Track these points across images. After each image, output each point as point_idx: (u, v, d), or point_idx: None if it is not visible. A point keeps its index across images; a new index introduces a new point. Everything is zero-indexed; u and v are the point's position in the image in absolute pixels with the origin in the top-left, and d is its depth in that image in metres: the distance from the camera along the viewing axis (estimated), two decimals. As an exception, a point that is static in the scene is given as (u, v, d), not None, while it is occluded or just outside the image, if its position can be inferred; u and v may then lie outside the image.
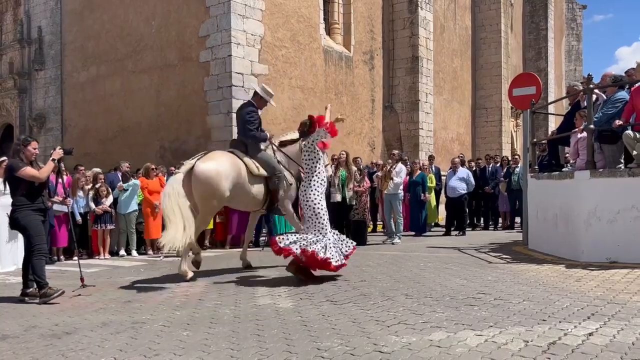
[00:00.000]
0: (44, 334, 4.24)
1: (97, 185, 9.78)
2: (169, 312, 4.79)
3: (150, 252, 10.04)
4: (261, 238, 10.88)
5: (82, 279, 6.15)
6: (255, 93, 7.39)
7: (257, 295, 5.45)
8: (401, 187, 10.94)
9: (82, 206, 9.55)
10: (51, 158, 5.82)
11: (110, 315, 4.77)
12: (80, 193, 9.52)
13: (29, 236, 5.58)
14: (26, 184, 5.53)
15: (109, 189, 9.87)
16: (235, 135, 8.51)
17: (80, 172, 9.86)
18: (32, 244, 5.57)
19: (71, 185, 9.45)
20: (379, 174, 11.63)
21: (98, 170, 10.53)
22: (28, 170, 5.51)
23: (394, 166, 10.82)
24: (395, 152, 12.25)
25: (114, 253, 9.92)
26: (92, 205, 9.51)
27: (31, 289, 5.70)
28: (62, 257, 9.41)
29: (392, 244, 10.37)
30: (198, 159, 6.60)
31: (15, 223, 5.63)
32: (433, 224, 13.70)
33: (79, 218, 9.26)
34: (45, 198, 5.83)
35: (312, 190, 6.22)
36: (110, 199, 9.76)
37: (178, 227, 6.12)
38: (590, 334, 3.61)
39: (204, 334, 4.01)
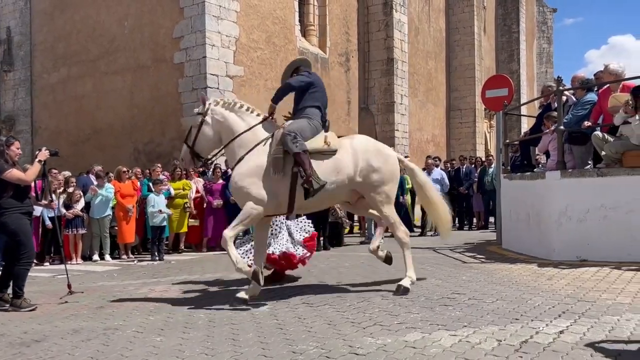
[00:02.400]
0: (12, 342, 4.13)
1: (69, 190, 9.59)
2: (142, 318, 4.72)
3: (124, 256, 9.89)
4: (237, 241, 10.78)
5: (69, 285, 5.99)
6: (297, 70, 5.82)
7: (232, 299, 5.40)
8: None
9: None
10: (37, 159, 5.61)
11: (81, 322, 4.67)
12: (53, 196, 9.31)
13: (19, 242, 5.34)
14: (12, 185, 5.31)
15: (81, 193, 9.68)
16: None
17: (52, 175, 9.64)
18: (20, 251, 5.34)
19: (42, 189, 9.23)
20: None
21: (68, 173, 10.33)
22: (15, 173, 5.31)
23: None
24: None
25: (86, 257, 9.74)
26: (63, 210, 9.31)
27: (4, 294, 5.50)
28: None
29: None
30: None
31: (3, 227, 5.33)
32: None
33: (48, 223, 9.05)
34: (31, 200, 5.66)
35: None
36: (81, 203, 9.57)
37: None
38: (561, 332, 3.67)
39: (178, 339, 3.95)
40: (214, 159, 6.00)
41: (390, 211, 5.52)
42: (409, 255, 5.55)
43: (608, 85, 7.26)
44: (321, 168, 5.10)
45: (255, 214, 5.08)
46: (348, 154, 5.32)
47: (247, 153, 5.21)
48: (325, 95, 5.67)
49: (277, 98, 5.54)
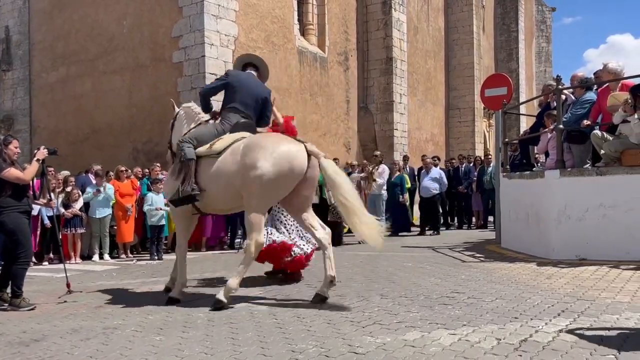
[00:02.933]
0: (11, 341, 4.12)
1: (67, 189, 9.58)
2: (141, 317, 4.71)
3: (123, 255, 9.88)
4: (236, 240, 10.80)
5: (68, 285, 5.99)
6: (250, 66, 5.83)
7: (232, 299, 5.40)
8: (384, 187, 11.06)
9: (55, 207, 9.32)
10: (35, 158, 5.61)
11: (80, 321, 4.67)
12: (52, 195, 9.29)
13: (17, 241, 5.33)
14: (11, 184, 5.31)
15: (80, 193, 9.67)
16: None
17: (50, 173, 9.62)
18: (18, 250, 5.33)
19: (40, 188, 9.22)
20: (362, 174, 11.75)
21: (67, 173, 10.32)
22: (13, 172, 5.31)
23: (376, 167, 10.94)
24: (377, 153, 12.34)
25: (85, 257, 9.73)
26: (62, 209, 9.30)
27: (4, 294, 5.49)
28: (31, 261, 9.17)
29: None
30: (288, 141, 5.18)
31: (1, 226, 5.32)
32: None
33: (47, 222, 9.04)
34: (30, 199, 5.65)
35: None
36: (80, 203, 9.57)
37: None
38: (561, 331, 3.67)
39: (177, 338, 3.95)
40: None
41: (253, 214, 4.94)
42: (244, 267, 5.01)
43: (607, 84, 7.26)
44: (206, 172, 5.17)
45: (180, 215, 5.52)
46: (232, 154, 5.07)
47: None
48: (249, 92, 5.53)
49: (202, 108, 5.76)
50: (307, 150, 5.01)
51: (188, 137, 5.34)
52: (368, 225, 4.93)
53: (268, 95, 5.73)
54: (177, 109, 6.06)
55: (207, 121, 5.66)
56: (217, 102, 5.89)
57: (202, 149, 5.24)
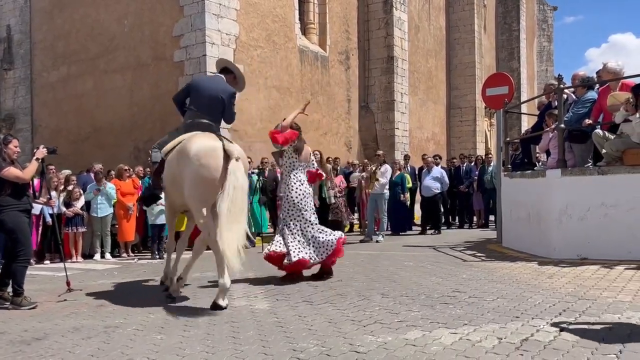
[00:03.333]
0: (12, 340, 4.13)
1: (69, 188, 9.59)
2: (142, 316, 4.71)
3: (124, 254, 9.89)
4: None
5: (68, 283, 6.00)
6: (227, 71, 5.99)
7: (232, 297, 5.40)
8: (387, 187, 11.07)
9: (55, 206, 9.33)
10: (35, 157, 5.60)
11: (82, 320, 4.67)
12: (54, 194, 9.31)
13: (16, 240, 5.33)
14: (10, 183, 5.31)
15: (81, 191, 9.68)
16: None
17: (51, 172, 9.65)
18: (17, 249, 5.34)
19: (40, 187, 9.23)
20: (364, 174, 11.77)
21: (68, 172, 10.34)
22: (12, 171, 5.31)
23: (379, 166, 10.94)
24: (380, 152, 12.33)
25: (87, 256, 9.74)
26: (63, 208, 9.32)
27: (4, 293, 5.50)
28: (32, 260, 9.18)
29: (377, 242, 10.51)
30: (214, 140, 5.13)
31: (0, 225, 5.33)
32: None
33: (49, 219, 9.06)
34: (30, 198, 5.66)
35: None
36: (81, 201, 9.57)
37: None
38: (562, 330, 3.67)
39: (178, 337, 3.95)
40: None
41: (198, 215, 5.02)
42: (192, 262, 5.60)
43: (608, 84, 7.26)
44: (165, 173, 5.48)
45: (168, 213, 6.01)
46: (176, 154, 5.23)
47: None
48: (205, 93, 5.61)
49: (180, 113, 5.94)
50: (224, 149, 4.94)
51: (159, 141, 5.72)
52: (231, 237, 4.68)
53: (228, 94, 5.69)
54: None
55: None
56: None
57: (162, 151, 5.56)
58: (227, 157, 4.88)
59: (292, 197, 6.18)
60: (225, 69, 6.03)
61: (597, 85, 7.84)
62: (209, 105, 5.59)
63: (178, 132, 5.52)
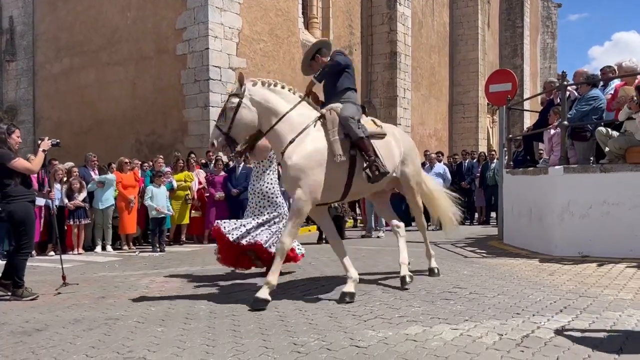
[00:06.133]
0: (13, 331, 4.14)
1: (71, 179, 9.59)
2: (143, 308, 4.72)
3: (125, 247, 9.90)
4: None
5: (63, 277, 5.99)
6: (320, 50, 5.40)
7: (233, 291, 5.41)
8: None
9: (58, 199, 9.34)
10: (41, 149, 5.56)
11: (83, 312, 4.68)
12: (58, 186, 9.31)
13: (22, 232, 5.30)
14: (19, 174, 5.29)
15: (83, 184, 9.68)
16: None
17: (54, 165, 9.65)
18: (22, 241, 5.32)
19: (42, 179, 9.22)
20: None
21: (71, 164, 10.34)
22: (22, 162, 5.31)
23: None
24: None
25: (88, 248, 9.75)
26: (66, 200, 9.32)
27: (8, 281, 5.44)
28: (34, 252, 9.20)
29: (377, 237, 10.51)
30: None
31: (11, 215, 5.25)
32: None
33: (55, 210, 9.04)
34: (33, 189, 5.65)
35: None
36: (83, 194, 9.57)
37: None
38: (563, 327, 3.66)
39: (179, 329, 3.96)
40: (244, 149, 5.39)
41: (420, 200, 5.79)
42: (427, 243, 6.02)
43: (624, 81, 7.24)
44: (379, 152, 5.02)
45: (306, 209, 4.74)
46: (394, 139, 5.39)
47: (297, 135, 4.80)
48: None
49: (322, 76, 5.19)
50: None
51: (351, 115, 4.91)
52: (445, 214, 6.01)
53: None
54: (244, 86, 4.93)
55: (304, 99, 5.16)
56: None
57: (371, 129, 5.12)
58: None
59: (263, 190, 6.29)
60: (320, 50, 5.39)
61: (601, 83, 7.82)
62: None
63: (360, 112, 5.22)
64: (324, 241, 9.67)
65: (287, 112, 4.88)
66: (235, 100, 4.85)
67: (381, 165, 4.89)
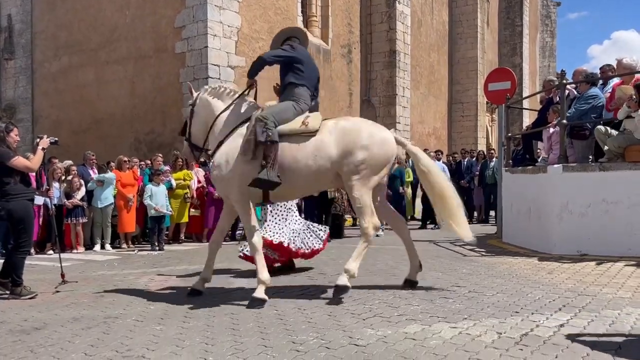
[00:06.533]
0: (12, 329, 4.13)
1: (69, 177, 9.58)
2: (142, 307, 4.72)
3: (124, 245, 9.89)
4: (237, 232, 10.80)
5: (62, 275, 5.99)
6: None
7: (232, 289, 5.41)
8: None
9: (56, 197, 9.33)
10: (40, 147, 5.57)
11: (81, 310, 4.68)
12: (56, 184, 9.30)
13: (21, 230, 5.31)
14: (18, 172, 5.30)
15: (82, 182, 9.68)
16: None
17: (54, 164, 9.64)
18: (21, 239, 5.33)
19: (39, 177, 9.22)
20: None
21: (70, 162, 10.33)
22: (21, 160, 5.33)
23: None
24: None
25: (87, 247, 9.74)
26: (64, 199, 9.31)
27: (6, 282, 5.45)
28: (32, 251, 9.19)
29: (377, 236, 10.49)
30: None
31: (10, 213, 5.25)
32: (409, 217, 13.83)
33: (52, 209, 9.02)
34: (32, 188, 5.65)
35: None
36: (82, 192, 9.56)
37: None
38: (562, 326, 3.67)
39: (178, 328, 3.96)
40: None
41: (361, 194, 4.81)
42: (361, 249, 4.88)
43: (622, 79, 7.24)
44: (299, 151, 4.80)
45: (240, 205, 4.90)
46: (331, 134, 4.84)
47: (226, 137, 4.96)
48: (315, 72, 5.28)
49: (252, 72, 5.18)
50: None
51: (270, 116, 4.78)
52: (456, 219, 4.96)
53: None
54: (196, 93, 5.41)
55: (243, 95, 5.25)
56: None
57: (293, 127, 4.87)
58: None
59: None
60: (290, 37, 5.34)
61: (600, 82, 7.82)
62: (315, 85, 5.25)
63: (297, 111, 4.96)
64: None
65: (220, 113, 5.11)
66: (189, 109, 5.38)
67: (267, 174, 4.60)
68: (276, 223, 6.37)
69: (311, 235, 6.50)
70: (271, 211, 6.48)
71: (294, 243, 6.22)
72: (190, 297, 5.05)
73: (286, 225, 6.38)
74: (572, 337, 3.41)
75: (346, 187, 4.97)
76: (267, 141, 4.63)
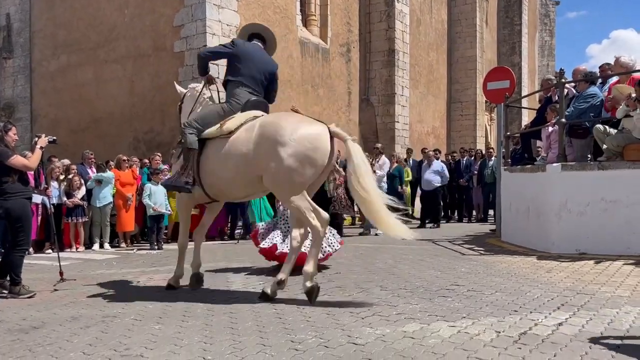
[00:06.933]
0: (10, 328, 4.13)
1: (70, 176, 9.57)
2: (141, 306, 4.71)
3: (123, 244, 9.89)
4: (236, 231, 10.81)
5: (61, 273, 6.00)
6: (257, 38, 5.38)
7: (231, 288, 5.41)
8: (384, 179, 11.05)
9: (55, 196, 9.32)
10: (38, 146, 5.58)
11: (80, 309, 4.67)
12: (55, 184, 9.28)
13: (19, 228, 5.31)
14: (16, 171, 5.30)
15: (82, 181, 9.67)
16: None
17: (53, 162, 9.63)
18: (19, 237, 5.33)
19: (38, 176, 9.20)
20: None
21: (67, 161, 10.31)
22: (19, 159, 5.33)
23: (377, 159, 10.92)
24: (378, 145, 12.30)
25: (86, 246, 9.73)
26: (64, 198, 9.30)
27: (4, 281, 5.44)
28: (31, 249, 9.17)
29: (376, 235, 10.52)
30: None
31: (8, 212, 5.26)
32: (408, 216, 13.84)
33: (50, 207, 9.02)
34: (30, 186, 5.64)
35: None
36: (82, 191, 9.55)
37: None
38: (560, 324, 3.67)
39: (176, 327, 3.95)
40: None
41: (287, 198, 4.57)
42: (316, 250, 4.66)
43: (618, 78, 7.25)
44: (217, 154, 4.78)
45: (181, 205, 5.43)
46: (247, 133, 4.65)
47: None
48: (257, 66, 5.07)
49: (199, 70, 5.33)
50: (330, 132, 4.59)
51: (192, 121, 4.93)
52: (383, 222, 4.52)
53: (276, 69, 5.30)
54: (183, 91, 5.76)
55: (205, 89, 5.43)
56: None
57: (211, 130, 4.85)
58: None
59: None
60: (255, 35, 5.34)
61: (599, 81, 7.82)
62: (262, 82, 5.09)
63: (226, 111, 4.90)
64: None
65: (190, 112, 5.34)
66: (178, 104, 5.76)
67: (182, 178, 4.83)
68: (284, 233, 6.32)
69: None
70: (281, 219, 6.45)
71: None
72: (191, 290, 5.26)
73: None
74: (570, 336, 3.41)
75: (271, 189, 4.78)
76: (186, 147, 4.82)
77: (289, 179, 4.50)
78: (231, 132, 4.74)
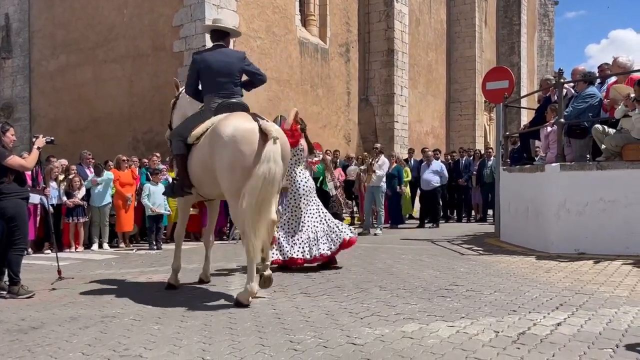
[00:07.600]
0: (9, 329, 4.12)
1: (70, 176, 9.56)
2: (140, 306, 4.71)
3: (122, 245, 9.88)
4: (236, 231, 10.79)
5: (59, 271, 6.00)
6: (219, 34, 5.41)
7: (230, 289, 5.41)
8: (384, 179, 11.07)
9: (54, 197, 9.32)
10: (36, 146, 5.60)
11: (79, 310, 4.67)
12: (54, 184, 9.28)
13: (15, 227, 5.33)
14: (13, 171, 5.32)
15: (82, 181, 9.66)
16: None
17: (51, 162, 9.62)
18: (15, 237, 5.34)
19: (36, 176, 9.19)
20: (362, 167, 11.76)
21: (64, 161, 10.32)
22: (16, 159, 5.34)
23: (377, 159, 10.93)
24: (378, 145, 12.31)
25: (85, 246, 9.72)
26: (64, 198, 9.30)
27: (1, 282, 5.48)
28: (30, 249, 9.17)
29: (375, 234, 10.52)
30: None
31: (1, 212, 5.29)
32: (407, 215, 13.84)
33: (49, 207, 9.01)
34: (27, 186, 5.65)
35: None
36: (82, 191, 9.55)
37: None
38: (559, 324, 3.67)
39: (175, 327, 3.95)
40: None
41: (233, 205, 4.66)
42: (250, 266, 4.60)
43: (616, 78, 7.25)
44: (190, 160, 5.09)
45: (183, 201, 5.61)
46: (206, 138, 4.83)
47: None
48: (220, 71, 5.11)
49: (196, 99, 5.44)
50: (260, 129, 4.58)
51: (178, 130, 5.33)
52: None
53: (242, 60, 5.27)
54: (181, 88, 5.90)
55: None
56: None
57: (190, 137, 5.05)
58: (265, 139, 4.51)
59: (299, 194, 6.41)
60: (216, 32, 5.40)
61: (598, 81, 7.83)
62: (232, 81, 5.16)
63: (202, 116, 5.06)
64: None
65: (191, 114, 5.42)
66: (172, 100, 5.94)
67: (175, 188, 5.34)
68: (286, 239, 6.34)
69: (328, 238, 6.38)
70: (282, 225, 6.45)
71: (308, 253, 6.24)
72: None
73: (300, 236, 6.33)
74: (569, 336, 3.41)
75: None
76: (174, 154, 5.21)
77: (226, 177, 4.63)
78: (198, 139, 4.97)
